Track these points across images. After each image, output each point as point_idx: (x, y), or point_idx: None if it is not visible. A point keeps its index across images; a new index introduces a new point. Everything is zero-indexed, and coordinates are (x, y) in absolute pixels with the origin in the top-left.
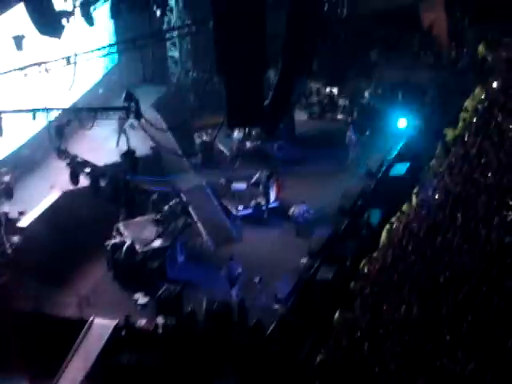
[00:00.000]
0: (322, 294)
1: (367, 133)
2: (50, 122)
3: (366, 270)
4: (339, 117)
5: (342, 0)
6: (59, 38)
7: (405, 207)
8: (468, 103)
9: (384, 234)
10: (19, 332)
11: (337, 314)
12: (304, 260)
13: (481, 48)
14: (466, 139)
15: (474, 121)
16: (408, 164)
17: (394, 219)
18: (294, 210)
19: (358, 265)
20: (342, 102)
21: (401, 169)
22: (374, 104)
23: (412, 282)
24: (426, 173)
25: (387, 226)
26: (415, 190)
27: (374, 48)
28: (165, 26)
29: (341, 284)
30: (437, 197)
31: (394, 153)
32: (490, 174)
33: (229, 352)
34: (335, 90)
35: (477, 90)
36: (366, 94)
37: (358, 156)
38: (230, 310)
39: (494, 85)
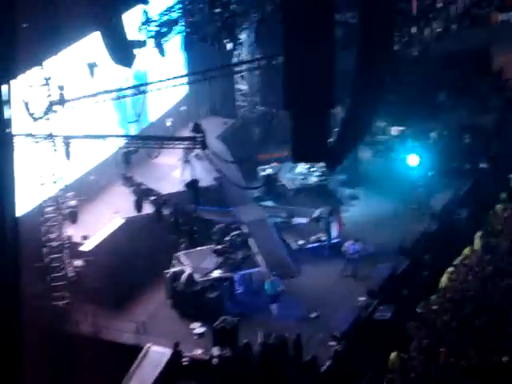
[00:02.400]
0: (378, 334)
1: (432, 173)
2: (118, 148)
3: (423, 312)
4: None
5: (412, 40)
6: (130, 67)
7: (467, 250)
8: None
9: (445, 277)
10: (76, 356)
11: (392, 355)
12: (362, 298)
13: None
14: None
15: None
16: (472, 207)
17: (455, 262)
18: (346, 247)
19: (416, 306)
20: (408, 142)
21: (465, 212)
22: (440, 145)
23: (471, 327)
24: (491, 217)
25: (449, 269)
26: (479, 234)
27: (443, 89)
28: (235, 60)
29: (398, 325)
30: (499, 242)
31: (459, 195)
32: None
33: None
34: (401, 130)
35: None
36: (433, 134)
37: (422, 196)
38: (286, 344)
39: None
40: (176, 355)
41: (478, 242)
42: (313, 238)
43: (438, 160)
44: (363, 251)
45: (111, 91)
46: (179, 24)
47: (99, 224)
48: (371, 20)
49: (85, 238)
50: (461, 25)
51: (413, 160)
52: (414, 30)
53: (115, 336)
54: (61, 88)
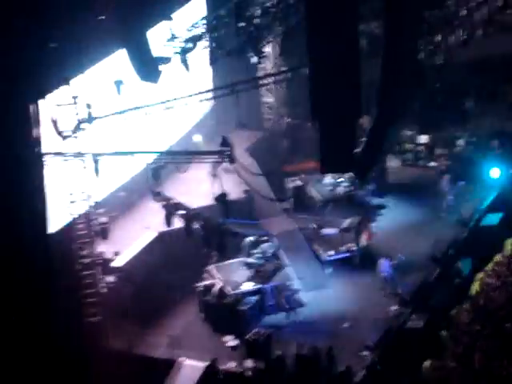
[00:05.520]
0: (412, 343)
1: (462, 182)
2: (147, 164)
3: (456, 320)
4: (433, 165)
5: (438, 48)
6: (156, 82)
7: (498, 257)
8: None
9: (476, 284)
10: (110, 371)
11: (426, 364)
12: (394, 308)
13: None
14: None
15: None
16: (501, 214)
17: (486, 269)
18: (381, 265)
19: (448, 314)
20: (436, 150)
21: (494, 219)
22: (469, 153)
23: (505, 332)
24: None
25: (479, 275)
26: (509, 241)
27: (470, 96)
28: (260, 73)
29: (431, 333)
30: None
31: (488, 202)
32: None
33: None
34: (429, 138)
35: None
36: (461, 142)
37: (451, 205)
38: (319, 356)
39: None
40: (210, 369)
41: (508, 249)
42: (343, 248)
43: (466, 167)
44: (396, 263)
45: (138, 108)
46: (204, 39)
47: (130, 240)
48: (396, 29)
49: (116, 253)
50: (486, 31)
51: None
52: (438, 38)
53: (148, 351)
54: (88, 106)
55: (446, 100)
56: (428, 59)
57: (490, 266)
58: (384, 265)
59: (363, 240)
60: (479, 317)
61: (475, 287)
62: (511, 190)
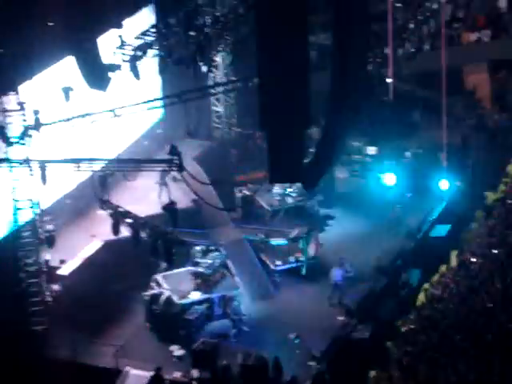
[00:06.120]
0: (358, 353)
1: (409, 194)
2: (93, 172)
3: (402, 330)
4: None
5: (386, 61)
6: (105, 90)
7: (444, 268)
8: (510, 168)
9: (422, 294)
10: (55, 381)
11: (372, 374)
12: (341, 318)
13: None
14: (506, 203)
15: None
16: (449, 226)
17: (432, 280)
18: (332, 273)
19: (394, 324)
20: (383, 161)
21: (441, 230)
22: (415, 164)
23: (449, 343)
24: (466, 235)
25: (425, 286)
26: (455, 252)
27: (416, 108)
28: (210, 82)
29: (377, 343)
30: (475, 260)
31: (435, 214)
32: None
33: None
34: (376, 149)
35: None
36: (408, 154)
37: (398, 216)
38: (266, 365)
39: None
40: (156, 378)
41: (454, 260)
42: (291, 258)
43: (413, 179)
44: (346, 274)
45: (86, 115)
46: (154, 47)
47: (77, 248)
48: (345, 41)
49: (62, 262)
50: (433, 45)
51: (389, 179)
52: (387, 50)
53: (94, 360)
54: (36, 112)
55: (393, 112)
56: (377, 71)
57: (435, 277)
58: (336, 273)
59: (311, 250)
60: (425, 327)
61: (421, 298)
62: (458, 201)
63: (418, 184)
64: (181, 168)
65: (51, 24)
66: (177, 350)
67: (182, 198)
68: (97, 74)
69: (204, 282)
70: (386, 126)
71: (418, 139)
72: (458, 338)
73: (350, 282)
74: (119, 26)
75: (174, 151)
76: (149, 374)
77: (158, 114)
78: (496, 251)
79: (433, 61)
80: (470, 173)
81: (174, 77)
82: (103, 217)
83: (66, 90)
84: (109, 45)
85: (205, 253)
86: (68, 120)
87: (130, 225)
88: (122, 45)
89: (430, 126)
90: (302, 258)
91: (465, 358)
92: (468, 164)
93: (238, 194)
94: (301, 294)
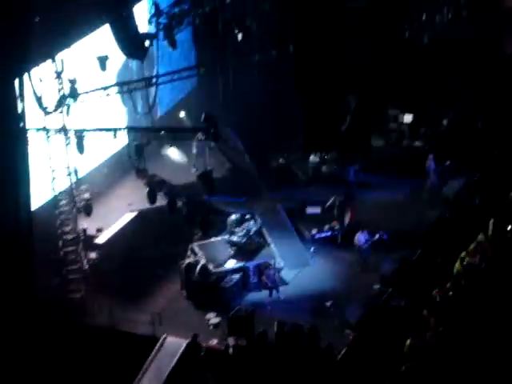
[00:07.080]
0: (393, 321)
1: (447, 162)
2: (129, 141)
3: (438, 299)
4: (417, 144)
5: (423, 27)
6: (142, 59)
7: (480, 237)
8: None
9: (458, 263)
10: (92, 348)
11: (408, 341)
12: (377, 286)
13: None
14: None
15: None
16: (485, 193)
17: (469, 248)
18: (357, 238)
19: (430, 292)
20: (420, 129)
21: (477, 198)
22: (453, 132)
23: (485, 312)
24: (504, 203)
25: (462, 255)
26: (491, 221)
27: (455, 76)
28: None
29: (413, 311)
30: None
31: (473, 182)
32: None
33: (299, 375)
34: (413, 117)
35: None
36: (445, 122)
37: (435, 184)
38: (302, 333)
39: None
40: (192, 345)
41: (491, 229)
42: (326, 226)
43: (451, 147)
44: (377, 239)
45: (122, 84)
46: (189, 16)
47: (113, 216)
48: (381, 7)
49: (99, 230)
50: (472, 11)
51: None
52: (424, 16)
53: (131, 327)
54: (72, 82)
55: (431, 79)
56: (414, 38)
57: (472, 246)
58: (360, 237)
59: (346, 218)
60: (460, 296)
61: (457, 267)
62: (496, 169)
63: (456, 152)
64: (216, 137)
65: None
66: (213, 318)
67: (218, 167)
68: (132, 42)
69: (239, 250)
70: (423, 94)
71: (455, 107)
72: (494, 307)
73: (384, 249)
74: None
75: (208, 119)
76: (185, 341)
77: (193, 84)
78: None
79: (472, 27)
80: (510, 140)
81: (209, 47)
82: (139, 186)
83: (102, 60)
84: (143, 13)
85: (240, 222)
86: (104, 89)
87: (165, 193)
88: (158, 13)
89: (469, 94)
90: (338, 227)
91: (499, 329)
92: (506, 131)
93: (274, 163)
94: (336, 263)
